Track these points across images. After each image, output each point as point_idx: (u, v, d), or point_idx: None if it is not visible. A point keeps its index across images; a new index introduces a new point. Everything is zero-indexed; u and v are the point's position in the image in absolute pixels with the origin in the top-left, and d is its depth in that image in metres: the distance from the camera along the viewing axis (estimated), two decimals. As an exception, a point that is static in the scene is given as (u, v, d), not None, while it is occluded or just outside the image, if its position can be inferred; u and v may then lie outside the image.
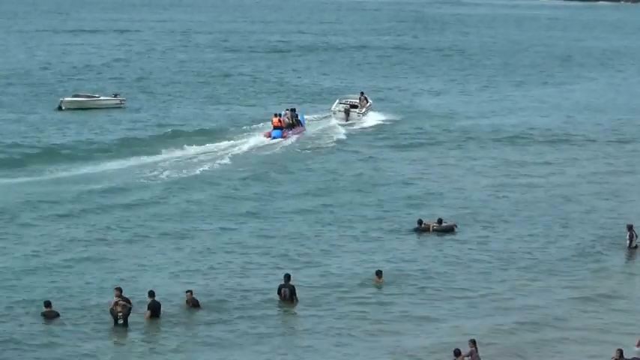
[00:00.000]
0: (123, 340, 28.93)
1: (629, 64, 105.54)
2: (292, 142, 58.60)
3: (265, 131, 60.03)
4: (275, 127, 59.36)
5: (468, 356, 27.42)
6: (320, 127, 64.24)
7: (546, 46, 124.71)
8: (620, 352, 27.31)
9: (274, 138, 58.59)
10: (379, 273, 34.29)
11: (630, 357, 27.49)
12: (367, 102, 69.16)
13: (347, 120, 66.90)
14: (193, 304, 31.05)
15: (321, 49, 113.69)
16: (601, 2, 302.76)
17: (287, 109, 62.51)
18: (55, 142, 57.02)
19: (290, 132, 59.80)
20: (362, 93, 70.89)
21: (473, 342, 27.64)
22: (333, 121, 66.20)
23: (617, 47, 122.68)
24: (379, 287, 33.71)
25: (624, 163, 55.26)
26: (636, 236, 38.53)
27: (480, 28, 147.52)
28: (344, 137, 61.48)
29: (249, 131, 61.68)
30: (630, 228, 38.71)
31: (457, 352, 27.33)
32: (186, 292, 31.35)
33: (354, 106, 68.02)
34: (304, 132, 61.41)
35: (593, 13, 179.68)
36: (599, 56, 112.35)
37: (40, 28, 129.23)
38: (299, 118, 61.75)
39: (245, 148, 56.77)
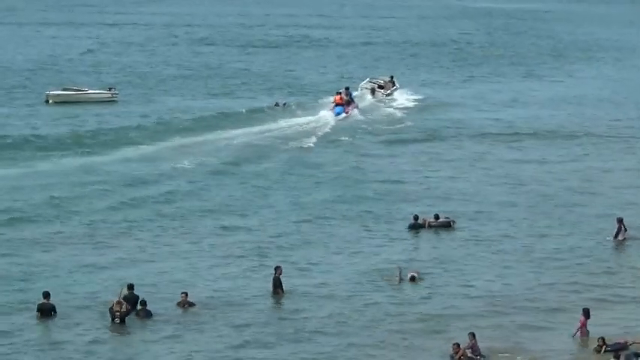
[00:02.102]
0: (118, 338, 28.89)
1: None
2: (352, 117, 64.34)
3: (329, 106, 65.60)
4: (337, 104, 65.03)
5: (468, 349, 27.41)
6: (365, 104, 69.01)
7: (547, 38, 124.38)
8: (603, 340, 28.01)
9: (337, 114, 64.16)
10: (413, 278, 33.67)
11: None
12: (394, 85, 74.25)
13: (372, 97, 71.88)
14: (189, 304, 30.79)
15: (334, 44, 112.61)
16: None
17: (344, 88, 67.80)
18: (40, 134, 56.85)
19: (350, 108, 65.37)
20: (392, 77, 75.87)
21: (472, 335, 27.89)
22: (368, 97, 71.50)
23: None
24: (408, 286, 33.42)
25: (619, 158, 54.98)
26: (625, 230, 38.58)
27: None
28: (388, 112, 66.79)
29: (247, 120, 62.88)
30: (620, 221, 38.77)
31: (457, 345, 27.43)
32: (182, 293, 31.09)
33: (381, 87, 73.10)
34: (358, 107, 66.89)
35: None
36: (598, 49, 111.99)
37: (32, 21, 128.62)
38: (351, 96, 67.55)
39: (320, 123, 61.41)
